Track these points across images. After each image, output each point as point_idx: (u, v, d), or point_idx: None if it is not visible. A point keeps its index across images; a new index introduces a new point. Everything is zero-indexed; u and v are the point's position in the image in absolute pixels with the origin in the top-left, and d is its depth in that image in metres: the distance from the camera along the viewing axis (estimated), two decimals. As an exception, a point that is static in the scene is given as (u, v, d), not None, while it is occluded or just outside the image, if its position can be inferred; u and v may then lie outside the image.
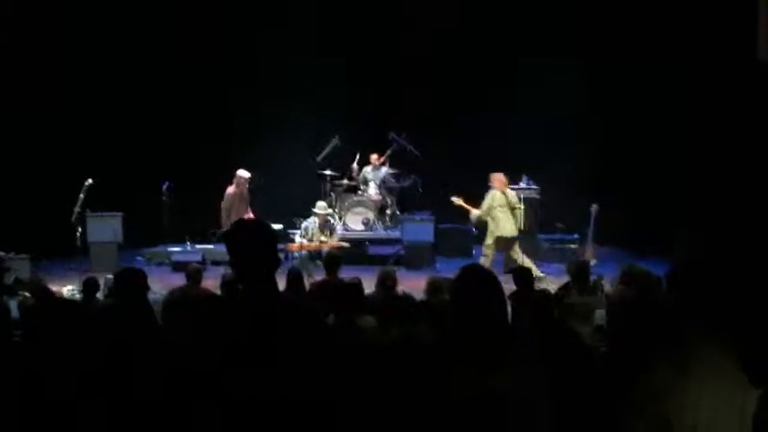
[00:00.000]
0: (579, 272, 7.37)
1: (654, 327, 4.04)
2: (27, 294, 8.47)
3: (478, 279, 2.79)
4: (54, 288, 8.68)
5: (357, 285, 5.96)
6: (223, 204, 12.25)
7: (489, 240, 11.76)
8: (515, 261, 11.39)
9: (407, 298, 6.61)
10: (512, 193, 11.94)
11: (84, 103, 13.80)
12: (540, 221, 12.69)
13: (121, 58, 14.04)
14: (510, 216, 11.71)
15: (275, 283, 2.97)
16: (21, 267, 10.99)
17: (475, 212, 11.86)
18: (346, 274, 10.26)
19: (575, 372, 3.18)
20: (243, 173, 12.35)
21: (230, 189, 12.30)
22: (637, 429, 2.79)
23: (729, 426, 2.78)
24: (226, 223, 11.95)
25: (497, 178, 11.88)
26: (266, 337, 2.74)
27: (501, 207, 11.68)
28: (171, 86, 14.43)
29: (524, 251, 11.92)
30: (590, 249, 12.00)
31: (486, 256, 11.64)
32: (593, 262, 11.61)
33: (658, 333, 4.07)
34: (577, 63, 13.65)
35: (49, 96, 13.42)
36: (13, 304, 7.70)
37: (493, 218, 11.67)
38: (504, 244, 11.72)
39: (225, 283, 7.57)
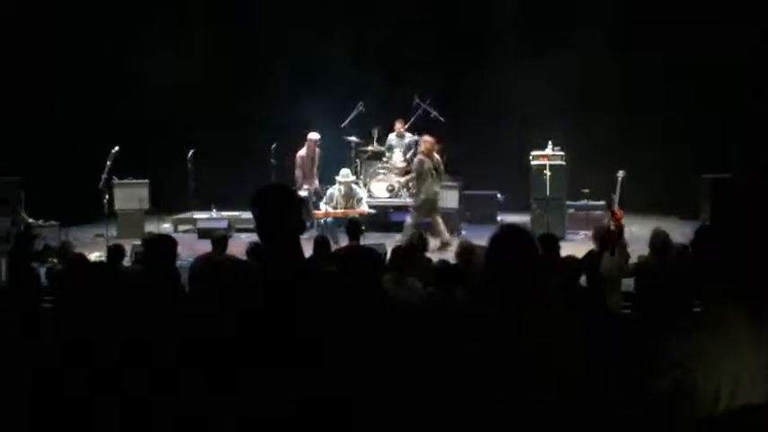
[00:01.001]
0: (605, 238, 7.31)
1: (676, 291, 4.03)
2: (56, 261, 8.58)
3: (516, 237, 2.77)
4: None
5: (378, 252, 5.98)
6: (297, 166, 12.70)
7: (419, 203, 11.74)
8: (437, 225, 11.53)
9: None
10: (437, 157, 11.96)
11: (110, 72, 13.86)
12: (567, 188, 12.58)
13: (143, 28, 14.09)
14: (437, 179, 11.82)
15: (301, 250, 2.97)
16: (49, 234, 11.12)
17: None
18: (371, 240, 10.37)
19: (598, 336, 3.17)
20: (313, 135, 12.82)
21: (301, 151, 12.73)
22: (660, 394, 2.78)
23: (755, 388, 2.77)
24: (301, 185, 12.54)
25: (428, 141, 11.89)
26: (290, 303, 2.75)
27: (430, 170, 11.70)
28: (195, 55, 14.44)
29: (552, 217, 11.91)
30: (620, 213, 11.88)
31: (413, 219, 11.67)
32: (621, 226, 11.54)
33: (680, 297, 4.06)
34: (604, 28, 13.48)
35: (75, 66, 13.50)
36: (42, 271, 7.81)
37: (424, 181, 11.68)
38: (429, 207, 11.70)
39: (251, 250, 7.62)
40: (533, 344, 2.61)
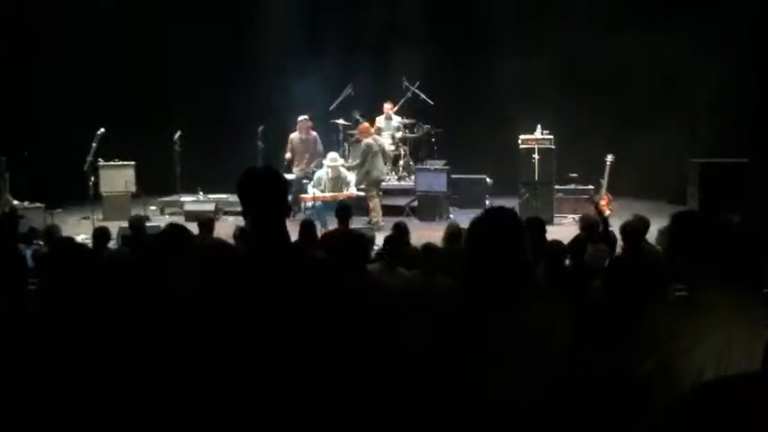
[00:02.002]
0: (591, 223, 7.35)
1: (649, 275, 4.04)
2: (41, 243, 8.52)
3: (501, 218, 2.74)
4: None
5: (367, 236, 5.96)
6: (287, 149, 12.80)
7: (371, 182, 12.12)
8: (376, 204, 12.02)
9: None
10: (381, 139, 12.71)
11: (97, 52, 13.74)
12: (555, 172, 12.58)
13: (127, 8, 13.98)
14: (382, 159, 12.49)
15: (287, 232, 2.96)
16: (35, 217, 11.05)
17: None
18: (359, 224, 10.37)
19: (581, 320, 3.17)
20: (301, 117, 12.83)
21: (293, 134, 12.81)
22: (643, 375, 2.79)
23: (739, 368, 2.78)
24: (290, 167, 12.71)
25: (365, 129, 12.49)
26: (274, 284, 2.74)
27: (378, 151, 12.28)
28: (183, 35, 14.33)
29: (540, 201, 11.96)
30: (605, 200, 11.97)
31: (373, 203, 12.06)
32: (607, 213, 11.59)
33: (655, 281, 4.08)
34: (594, 11, 13.48)
35: (63, 45, 13.38)
36: (28, 253, 7.76)
37: (371, 163, 12.09)
38: (376, 186, 12.24)
39: (238, 233, 7.59)
40: (525, 328, 2.60)
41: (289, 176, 12.00)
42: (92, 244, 7.61)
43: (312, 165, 12.65)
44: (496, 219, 2.73)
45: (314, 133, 12.93)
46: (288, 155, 12.72)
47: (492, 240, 2.66)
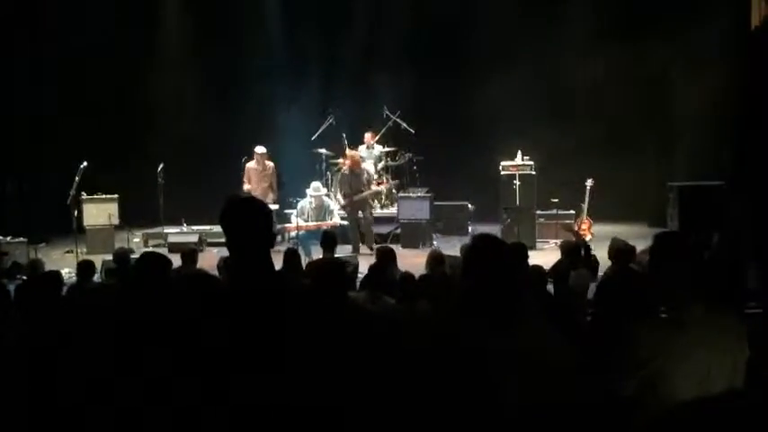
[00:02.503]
0: (572, 249, 7.42)
1: (633, 295, 4.10)
2: (25, 278, 8.49)
3: (493, 247, 2.81)
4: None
5: (352, 264, 6.00)
6: (244, 180, 12.71)
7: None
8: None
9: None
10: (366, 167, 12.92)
11: (79, 87, 13.79)
12: (536, 197, 12.67)
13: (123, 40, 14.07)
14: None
15: (271, 262, 2.98)
16: (18, 251, 11.01)
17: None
18: (343, 252, 10.38)
19: (566, 342, 3.22)
20: (258, 149, 12.75)
21: (250, 163, 12.76)
22: (626, 397, 2.84)
23: (722, 385, 2.83)
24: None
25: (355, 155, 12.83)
26: (261, 316, 2.76)
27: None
28: (163, 66, 14.42)
29: (522, 227, 12.04)
30: (586, 224, 12.09)
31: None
32: (588, 237, 11.70)
33: (639, 301, 4.13)
34: (572, 39, 13.67)
35: (52, 79, 13.44)
36: (11, 288, 7.72)
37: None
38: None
39: (222, 264, 7.61)
40: (522, 351, 2.65)
41: (273, 206, 12.03)
42: (76, 277, 7.61)
43: (270, 197, 12.46)
44: (489, 246, 2.80)
45: (270, 164, 12.84)
46: (246, 186, 12.61)
47: (486, 265, 2.73)
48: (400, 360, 2.94)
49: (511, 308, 2.76)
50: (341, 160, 14.00)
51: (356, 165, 12.52)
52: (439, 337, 2.76)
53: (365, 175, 12.58)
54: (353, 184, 12.46)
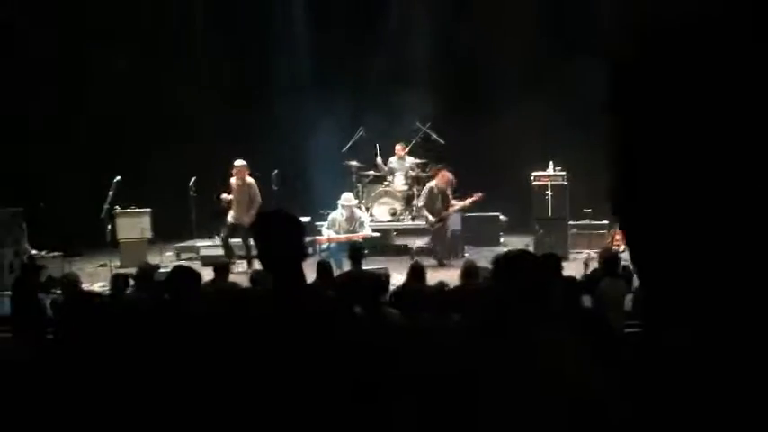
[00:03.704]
0: (608, 258, 7.32)
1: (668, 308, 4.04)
2: (60, 292, 8.56)
3: (525, 260, 2.80)
4: (85, 285, 8.76)
5: (383, 276, 5.97)
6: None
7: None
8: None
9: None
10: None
11: (110, 102, 13.95)
12: (569, 208, 12.57)
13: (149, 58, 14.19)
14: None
15: (303, 276, 2.98)
16: (53, 265, 11.12)
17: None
18: (374, 264, 10.37)
19: (599, 354, 3.17)
20: (236, 162, 12.06)
21: (232, 179, 12.06)
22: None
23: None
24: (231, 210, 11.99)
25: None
26: (295, 329, 2.75)
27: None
28: (195, 86, 14.53)
29: (554, 238, 11.96)
30: (618, 235, 11.95)
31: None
32: (621, 248, 11.56)
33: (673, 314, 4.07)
34: (603, 46, 13.56)
35: (77, 94, 13.60)
36: (47, 303, 7.81)
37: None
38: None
39: (254, 278, 7.63)
40: (545, 368, 2.61)
41: (304, 219, 12.02)
42: (110, 290, 7.66)
43: (251, 212, 11.67)
44: (520, 262, 2.78)
45: (250, 180, 12.08)
46: (225, 196, 12.02)
47: (519, 277, 2.72)
48: (422, 375, 2.92)
49: (535, 324, 2.72)
50: (371, 172, 14.02)
51: (448, 183, 12.36)
52: (451, 357, 2.73)
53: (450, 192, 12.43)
54: (443, 202, 12.32)
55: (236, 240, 12.19)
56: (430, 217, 12.28)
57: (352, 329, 2.88)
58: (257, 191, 12.05)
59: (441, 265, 11.73)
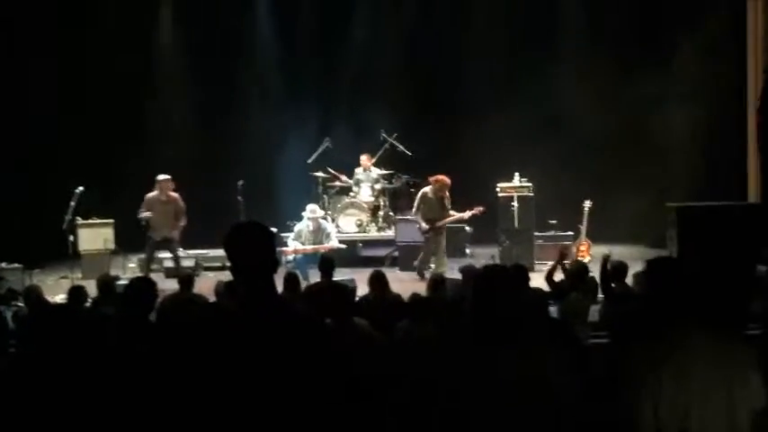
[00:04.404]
0: (576, 270, 7.38)
1: (630, 322, 4.07)
2: (20, 304, 8.41)
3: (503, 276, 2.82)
4: (48, 298, 8.60)
5: (350, 288, 5.95)
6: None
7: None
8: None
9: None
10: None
11: (75, 111, 13.80)
12: (534, 219, 12.64)
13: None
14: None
15: (274, 287, 2.95)
16: (13, 277, 10.92)
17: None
18: (341, 276, 10.33)
19: (568, 366, 3.19)
20: (159, 176, 11.75)
21: (150, 195, 11.72)
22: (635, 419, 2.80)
23: (722, 408, 2.80)
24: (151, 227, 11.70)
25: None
26: (267, 342, 2.72)
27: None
28: (156, 91, 14.43)
29: (520, 249, 12.03)
30: (584, 246, 12.06)
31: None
32: (587, 259, 11.66)
33: (635, 327, 4.11)
34: (567, 60, 13.75)
35: (41, 103, 13.45)
36: (8, 315, 7.66)
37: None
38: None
39: (219, 289, 7.55)
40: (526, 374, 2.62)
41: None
42: (68, 303, 7.51)
43: (179, 226, 11.67)
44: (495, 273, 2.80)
45: (175, 194, 11.79)
46: (146, 213, 11.58)
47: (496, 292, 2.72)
48: (406, 383, 2.89)
49: (516, 333, 2.74)
50: (337, 183, 14.00)
51: (445, 187, 11.84)
52: (449, 363, 2.73)
53: (447, 200, 11.90)
54: (437, 209, 11.80)
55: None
56: (423, 224, 11.82)
57: (325, 341, 2.85)
58: (183, 205, 11.76)
59: (421, 276, 11.63)
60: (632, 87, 13.31)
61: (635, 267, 7.73)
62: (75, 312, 6.75)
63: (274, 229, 12.02)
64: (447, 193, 11.89)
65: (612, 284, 7.32)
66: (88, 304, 7.75)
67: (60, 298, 10.29)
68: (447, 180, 11.87)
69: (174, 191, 11.78)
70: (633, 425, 2.88)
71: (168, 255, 12.89)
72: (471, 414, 2.58)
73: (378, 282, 7.19)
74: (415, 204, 12.05)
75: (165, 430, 2.72)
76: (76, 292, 7.55)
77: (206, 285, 9.52)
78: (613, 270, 7.41)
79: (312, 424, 2.64)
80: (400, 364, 2.92)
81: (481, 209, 11.95)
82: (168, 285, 10.11)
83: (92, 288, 8.06)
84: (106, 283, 7.98)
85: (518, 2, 14.67)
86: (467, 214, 11.96)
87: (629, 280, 7.64)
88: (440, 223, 11.82)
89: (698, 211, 11.78)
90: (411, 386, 2.75)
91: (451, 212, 11.93)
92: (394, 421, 2.67)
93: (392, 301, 6.91)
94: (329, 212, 13.66)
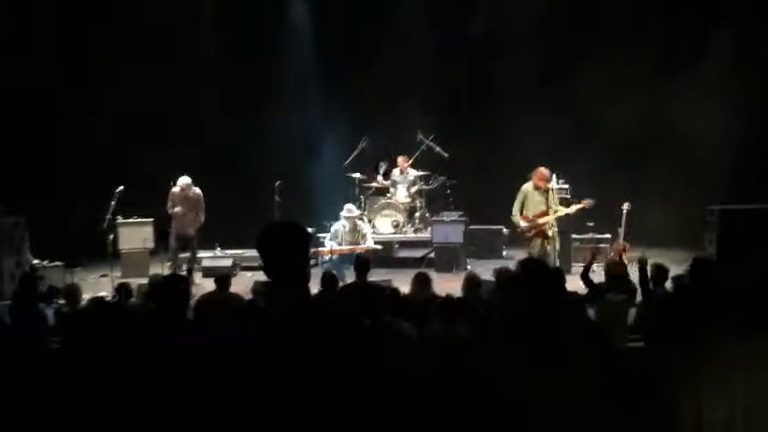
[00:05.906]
0: (614, 273, 7.30)
1: (671, 321, 4.02)
2: (62, 302, 8.54)
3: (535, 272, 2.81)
4: (87, 296, 8.73)
5: (386, 288, 5.96)
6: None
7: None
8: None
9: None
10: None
11: (111, 110, 13.97)
12: (572, 220, 12.53)
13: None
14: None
15: (308, 287, 2.96)
16: (54, 275, 11.10)
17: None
18: (376, 277, 10.34)
19: (599, 370, 3.16)
20: (180, 180, 11.92)
21: (174, 189, 11.91)
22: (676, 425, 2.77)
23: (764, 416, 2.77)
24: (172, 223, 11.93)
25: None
26: (300, 341, 2.73)
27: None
28: (195, 93, 14.57)
29: (558, 251, 11.94)
30: (622, 248, 11.93)
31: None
32: (625, 261, 11.52)
33: (677, 327, 4.06)
34: (604, 60, 13.63)
35: (79, 102, 13.64)
36: (49, 313, 7.79)
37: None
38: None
39: (255, 289, 7.59)
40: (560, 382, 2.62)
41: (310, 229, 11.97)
42: (116, 300, 7.64)
43: (197, 224, 11.93)
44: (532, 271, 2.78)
45: (197, 190, 12.01)
46: (176, 209, 11.82)
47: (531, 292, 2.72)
48: (438, 385, 2.89)
49: (549, 336, 2.72)
50: (373, 184, 14.01)
51: (545, 180, 10.93)
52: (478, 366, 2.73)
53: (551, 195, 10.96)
54: (545, 203, 10.86)
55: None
56: (521, 223, 10.98)
57: (363, 340, 2.86)
58: (203, 203, 11.96)
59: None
60: (670, 88, 13.16)
61: (673, 270, 7.65)
62: (124, 308, 6.90)
63: (311, 230, 12.12)
64: (550, 185, 11.05)
65: (652, 287, 7.24)
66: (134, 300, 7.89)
67: (102, 295, 10.45)
68: (546, 171, 11.01)
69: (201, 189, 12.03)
70: (673, 427, 2.85)
71: (208, 254, 13.02)
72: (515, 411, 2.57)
73: (422, 282, 7.21)
74: (516, 204, 11.08)
75: (204, 425, 2.75)
76: (123, 290, 7.68)
77: (243, 285, 9.58)
78: (655, 272, 7.33)
79: (344, 421, 2.65)
80: (432, 364, 2.92)
81: (590, 201, 11.19)
82: (207, 284, 10.19)
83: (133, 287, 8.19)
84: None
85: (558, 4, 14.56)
86: (573, 209, 11.24)
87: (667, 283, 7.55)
88: (542, 220, 10.85)
89: (740, 215, 11.63)
90: (440, 386, 2.74)
91: (558, 208, 11.12)
92: (422, 419, 2.67)
93: (437, 301, 6.86)
94: (366, 213, 13.67)
